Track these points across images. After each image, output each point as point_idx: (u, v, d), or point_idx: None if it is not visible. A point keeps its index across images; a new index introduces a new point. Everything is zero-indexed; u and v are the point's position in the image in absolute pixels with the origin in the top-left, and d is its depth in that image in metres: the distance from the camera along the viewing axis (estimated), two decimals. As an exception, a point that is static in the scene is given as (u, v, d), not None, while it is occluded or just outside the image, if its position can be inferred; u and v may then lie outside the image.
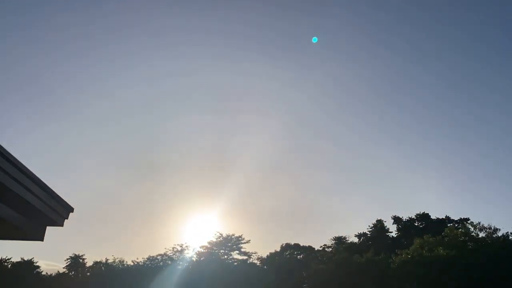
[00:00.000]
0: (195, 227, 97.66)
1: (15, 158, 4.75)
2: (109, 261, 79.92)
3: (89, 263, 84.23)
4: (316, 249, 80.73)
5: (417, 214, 79.51)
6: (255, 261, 79.85)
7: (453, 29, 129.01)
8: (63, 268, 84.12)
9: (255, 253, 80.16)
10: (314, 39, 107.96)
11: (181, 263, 76.22)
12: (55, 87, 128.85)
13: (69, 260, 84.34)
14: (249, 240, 79.67)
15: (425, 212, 79.79)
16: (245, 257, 79.16)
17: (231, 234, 79.83)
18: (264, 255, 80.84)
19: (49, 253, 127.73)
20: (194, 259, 77.59)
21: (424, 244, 50.57)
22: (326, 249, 78.04)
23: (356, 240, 78.34)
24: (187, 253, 79.10)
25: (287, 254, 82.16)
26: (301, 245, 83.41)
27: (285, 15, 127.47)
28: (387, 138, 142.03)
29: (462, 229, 55.13)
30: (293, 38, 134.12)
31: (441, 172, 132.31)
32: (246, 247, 79.47)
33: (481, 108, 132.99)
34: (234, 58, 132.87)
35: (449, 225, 68.93)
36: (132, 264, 78.34)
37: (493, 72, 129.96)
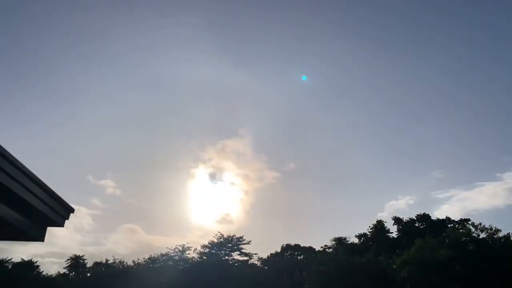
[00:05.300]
0: (196, 225, 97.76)
1: (15, 158, 4.72)
2: (109, 262, 79.83)
3: (89, 263, 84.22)
4: (316, 249, 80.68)
5: (418, 215, 79.39)
6: (256, 262, 79.78)
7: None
8: (63, 268, 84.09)
9: (256, 254, 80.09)
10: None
11: (182, 263, 76.08)
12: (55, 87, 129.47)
13: (69, 261, 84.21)
14: (250, 241, 79.51)
15: (426, 213, 79.76)
16: (245, 258, 79.02)
17: (232, 234, 79.71)
18: (265, 256, 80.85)
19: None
20: (195, 259, 77.45)
21: (426, 245, 50.39)
22: (326, 249, 77.95)
23: (356, 240, 78.27)
24: (188, 253, 79.00)
25: (288, 255, 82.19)
26: (302, 245, 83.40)
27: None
28: (390, 135, 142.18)
29: (463, 229, 54.95)
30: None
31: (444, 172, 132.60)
32: (246, 248, 79.37)
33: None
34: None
35: (449, 226, 68.87)
36: (132, 264, 78.24)
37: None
